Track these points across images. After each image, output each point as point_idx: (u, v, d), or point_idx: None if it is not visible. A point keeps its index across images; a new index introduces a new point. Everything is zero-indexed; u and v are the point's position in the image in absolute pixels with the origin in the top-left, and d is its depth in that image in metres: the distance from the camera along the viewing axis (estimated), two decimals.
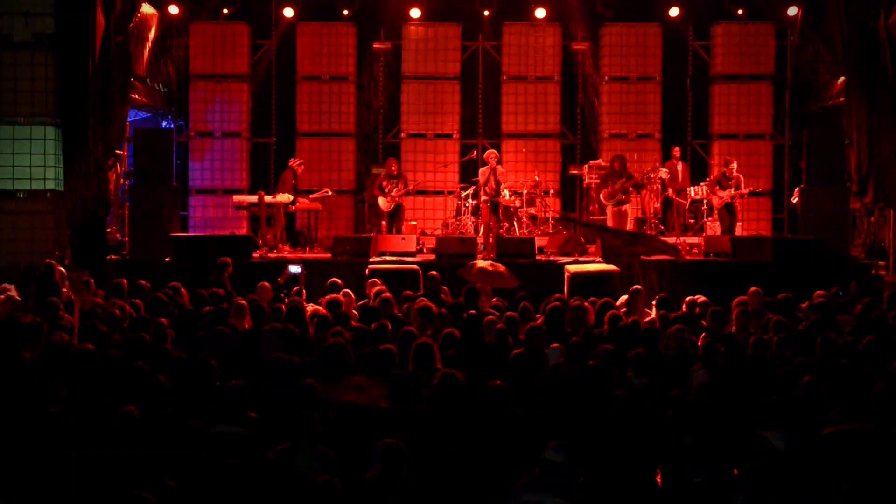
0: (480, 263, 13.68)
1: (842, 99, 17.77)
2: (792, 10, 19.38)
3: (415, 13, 19.62)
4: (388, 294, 11.94)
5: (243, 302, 11.37)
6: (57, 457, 6.88)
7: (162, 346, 9.45)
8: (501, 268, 13.29)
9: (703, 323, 10.96)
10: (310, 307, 11.90)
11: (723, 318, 10.97)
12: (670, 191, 18.93)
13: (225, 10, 19.78)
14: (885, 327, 10.78)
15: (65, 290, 12.96)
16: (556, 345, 9.69)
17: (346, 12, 19.84)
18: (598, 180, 18.56)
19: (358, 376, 7.88)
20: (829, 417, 7.15)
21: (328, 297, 12.13)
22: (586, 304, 11.44)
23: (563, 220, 18.79)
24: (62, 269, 13.77)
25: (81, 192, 15.92)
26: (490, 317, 10.72)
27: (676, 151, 19.30)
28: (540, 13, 19.69)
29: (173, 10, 19.16)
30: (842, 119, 17.40)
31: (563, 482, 6.44)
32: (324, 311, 11.24)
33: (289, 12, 19.80)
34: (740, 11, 19.89)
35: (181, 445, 6.98)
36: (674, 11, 19.75)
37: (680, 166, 19.26)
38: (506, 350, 9.50)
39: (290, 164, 18.41)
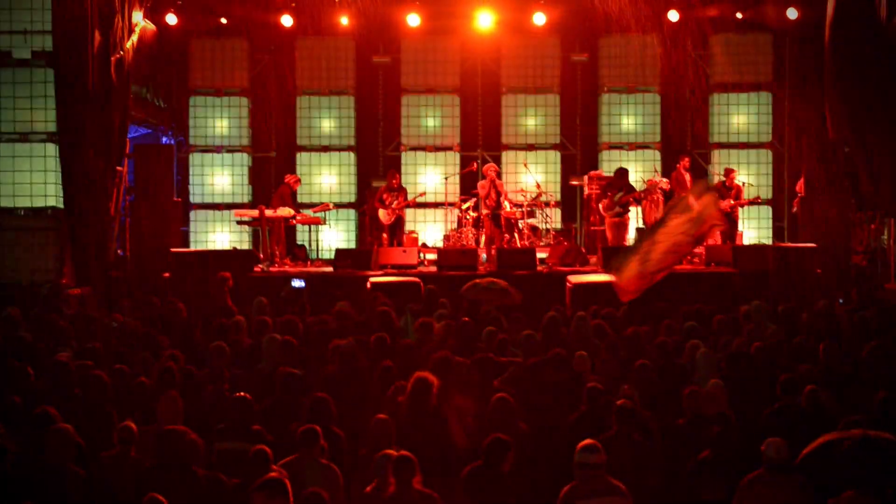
0: (480, 280, 13.65)
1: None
2: (792, 13, 19.32)
3: (413, 20, 19.58)
4: (388, 307, 11.93)
5: (241, 318, 11.39)
6: (63, 472, 6.88)
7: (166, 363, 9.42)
8: (503, 284, 13.26)
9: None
10: None
11: (726, 328, 10.98)
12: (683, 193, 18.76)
13: (223, 20, 19.80)
14: (886, 335, 10.75)
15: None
16: (582, 353, 9.67)
17: (344, 22, 19.83)
18: (598, 191, 18.56)
19: None
20: (836, 426, 7.12)
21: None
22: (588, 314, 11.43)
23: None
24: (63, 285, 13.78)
25: (82, 208, 15.95)
26: (490, 327, 10.72)
27: (686, 162, 19.19)
28: (539, 20, 19.67)
29: (171, 19, 19.16)
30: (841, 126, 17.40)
31: (606, 481, 6.47)
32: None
33: (287, 21, 19.78)
34: (739, 15, 19.86)
35: (184, 461, 6.98)
36: (673, 16, 19.71)
37: (687, 177, 19.17)
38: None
39: (285, 179, 18.42)
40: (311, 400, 7.81)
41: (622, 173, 18.12)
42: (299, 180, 18.71)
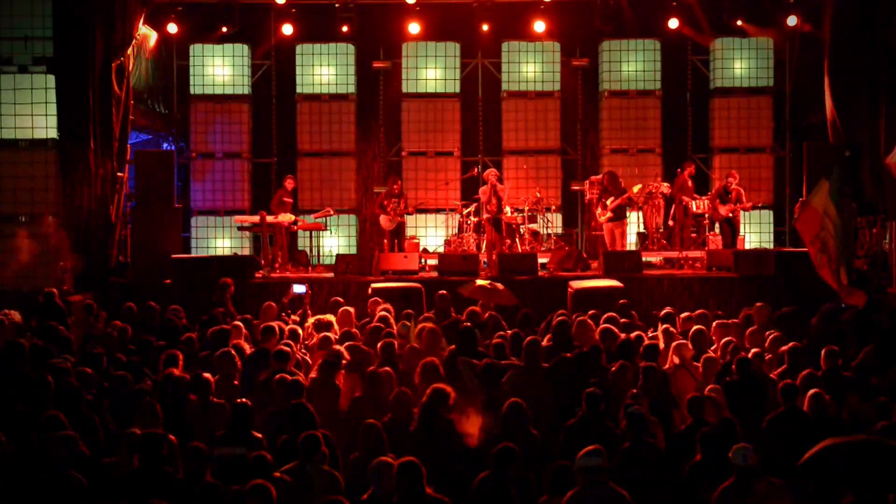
0: (480, 282, 13.71)
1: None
2: (791, 20, 19.29)
3: (413, 28, 19.59)
4: (389, 313, 11.94)
5: (239, 323, 11.41)
6: (65, 479, 6.87)
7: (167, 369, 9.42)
8: (500, 286, 13.30)
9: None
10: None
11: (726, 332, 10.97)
12: (685, 198, 18.70)
13: (224, 29, 19.78)
14: (888, 339, 10.75)
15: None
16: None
17: (345, 28, 19.82)
18: (598, 196, 18.53)
19: None
20: (837, 431, 7.12)
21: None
22: (588, 319, 11.42)
23: None
24: (64, 291, 13.77)
25: (83, 214, 15.96)
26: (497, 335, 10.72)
27: (692, 169, 19.12)
28: (539, 26, 19.67)
29: (172, 28, 19.18)
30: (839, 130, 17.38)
31: (610, 489, 6.46)
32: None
33: (288, 29, 19.78)
34: (739, 22, 19.83)
35: (184, 467, 6.98)
36: (673, 23, 19.71)
37: (690, 184, 19.10)
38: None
39: (283, 183, 18.41)
40: (291, 405, 7.85)
41: (612, 178, 18.04)
42: (293, 178, 18.66)
